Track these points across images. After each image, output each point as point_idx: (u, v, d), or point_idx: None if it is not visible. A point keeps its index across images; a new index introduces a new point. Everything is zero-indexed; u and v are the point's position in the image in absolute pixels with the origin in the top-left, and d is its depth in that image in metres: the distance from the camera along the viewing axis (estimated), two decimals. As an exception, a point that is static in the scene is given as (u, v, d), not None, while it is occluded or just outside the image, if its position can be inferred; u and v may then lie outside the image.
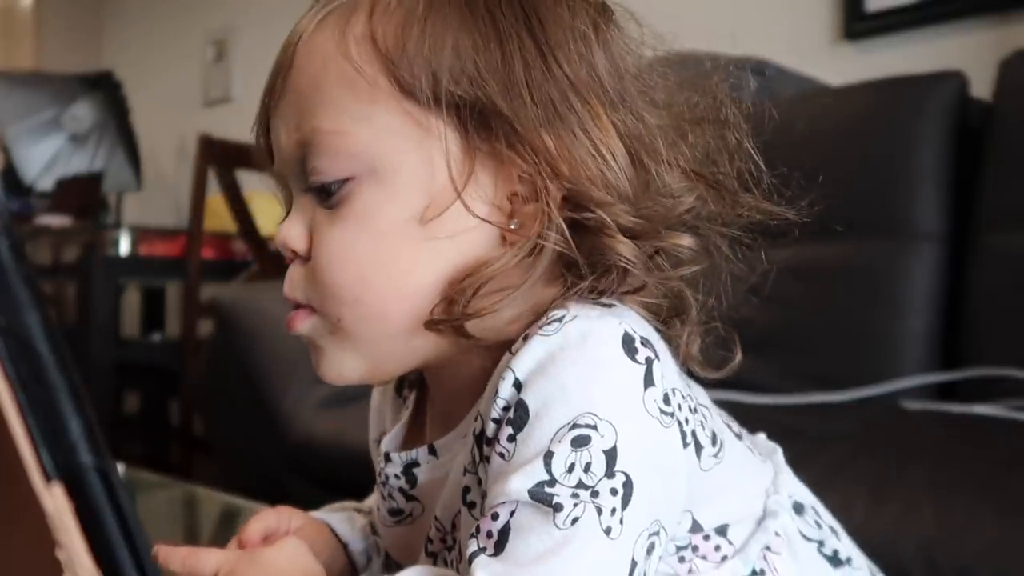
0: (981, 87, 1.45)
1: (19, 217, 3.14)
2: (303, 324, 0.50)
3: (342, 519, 0.61)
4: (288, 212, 0.52)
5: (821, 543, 0.53)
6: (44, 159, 3.65)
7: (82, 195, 3.33)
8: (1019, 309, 1.27)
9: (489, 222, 0.47)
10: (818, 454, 0.95)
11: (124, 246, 2.81)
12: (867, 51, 1.84)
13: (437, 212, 0.46)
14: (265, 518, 0.57)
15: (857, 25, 1.85)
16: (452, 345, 0.48)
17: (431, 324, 0.47)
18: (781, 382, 1.33)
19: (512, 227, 0.47)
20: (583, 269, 0.46)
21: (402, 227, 0.47)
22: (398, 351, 0.49)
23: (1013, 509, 0.83)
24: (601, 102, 0.47)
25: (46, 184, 3.57)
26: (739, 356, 0.53)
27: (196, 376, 2.32)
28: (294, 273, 0.50)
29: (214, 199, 2.60)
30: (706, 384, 0.53)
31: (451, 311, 0.46)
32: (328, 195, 0.48)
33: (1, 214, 0.25)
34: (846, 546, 0.54)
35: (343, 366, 0.49)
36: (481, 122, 0.46)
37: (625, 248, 0.46)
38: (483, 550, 0.41)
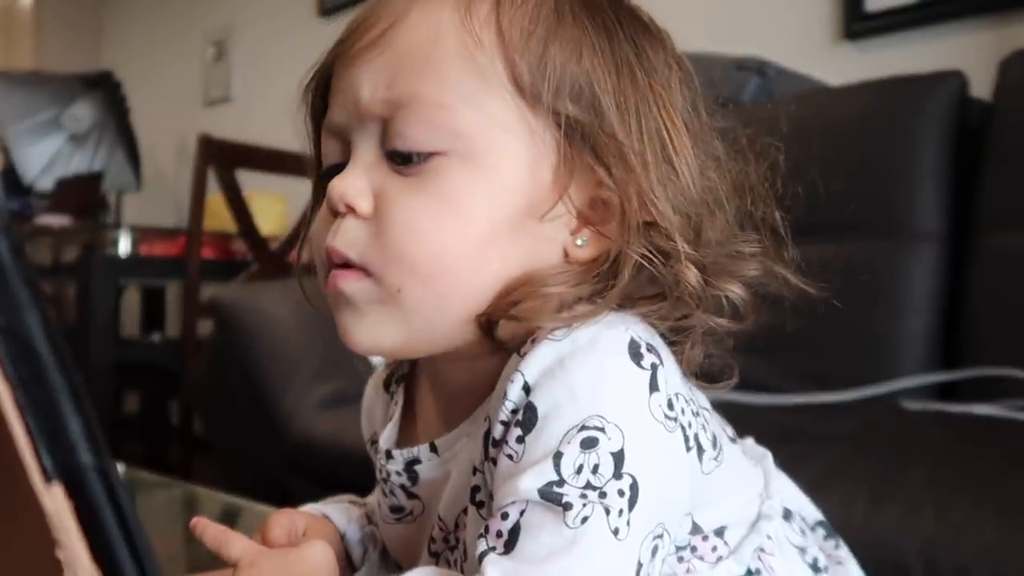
0: (981, 87, 1.45)
1: (19, 217, 3.14)
2: (351, 285, 0.47)
3: (338, 510, 0.61)
4: (325, 171, 0.51)
5: (803, 550, 0.54)
6: (44, 159, 3.65)
7: (82, 195, 3.33)
8: (1019, 309, 1.27)
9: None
10: (818, 454, 0.95)
11: (124, 246, 2.80)
12: (867, 51, 1.84)
13: (539, 215, 0.46)
14: (282, 520, 0.56)
15: (857, 25, 1.85)
16: (479, 343, 0.48)
17: (480, 317, 0.47)
18: (781, 382, 1.33)
19: (578, 243, 0.47)
20: (660, 294, 0.47)
21: (493, 219, 0.46)
22: (440, 333, 0.48)
23: (1013, 509, 0.83)
24: (690, 137, 0.48)
25: (46, 184, 3.57)
26: (736, 378, 0.53)
27: (196, 376, 2.32)
28: (351, 231, 0.47)
29: (214, 199, 2.60)
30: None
31: (502, 310, 0.46)
32: (407, 162, 0.46)
33: (1, 214, 0.25)
34: (824, 558, 0.55)
35: (381, 335, 0.47)
36: (588, 141, 0.46)
37: (692, 276, 0.46)
38: (493, 549, 0.41)
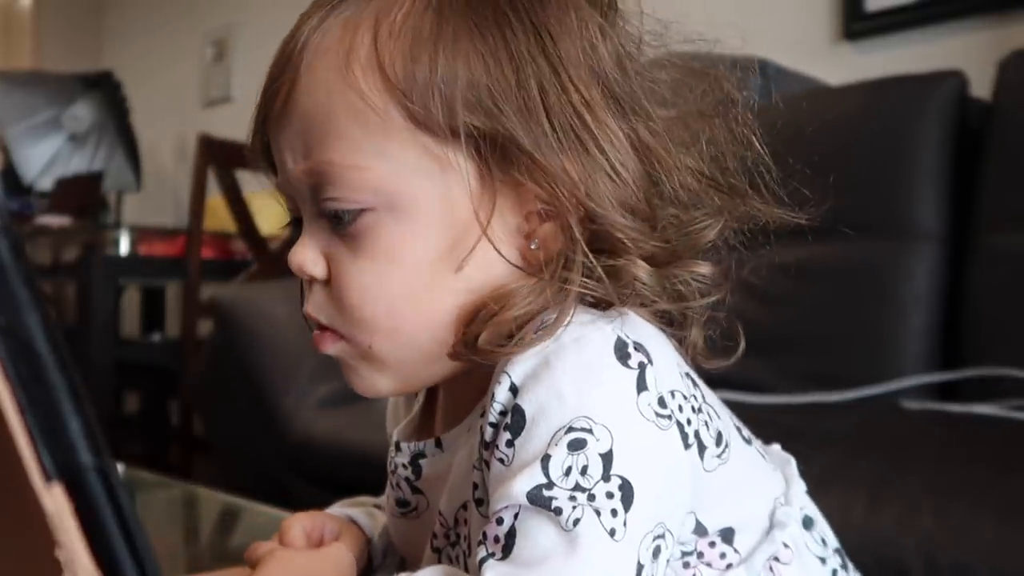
0: (981, 87, 1.45)
1: (19, 217, 3.14)
2: (332, 347, 0.50)
3: (364, 514, 0.61)
4: (293, 219, 0.52)
5: (823, 560, 0.53)
6: (44, 159, 3.65)
7: (82, 195, 3.33)
8: (1019, 309, 1.27)
9: (517, 266, 0.47)
10: (818, 454, 0.95)
11: (124, 246, 2.81)
12: (867, 51, 1.84)
13: (467, 248, 0.46)
14: (301, 521, 0.57)
15: (857, 25, 1.85)
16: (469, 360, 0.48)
17: (454, 354, 0.47)
18: (781, 382, 1.33)
19: (532, 247, 0.47)
20: (606, 293, 0.46)
21: (430, 261, 0.47)
22: (430, 367, 0.49)
23: (1012, 509, 0.83)
24: (614, 114, 0.46)
25: (46, 184, 3.57)
26: (743, 344, 0.52)
27: (196, 376, 2.32)
28: (317, 296, 0.49)
29: (214, 199, 2.60)
30: (706, 383, 0.53)
31: (474, 338, 0.46)
32: (340, 223, 0.47)
33: (1, 214, 0.25)
34: (843, 572, 0.54)
35: (377, 384, 0.50)
36: (499, 152, 0.45)
37: (643, 271, 0.46)
38: (492, 555, 0.41)
